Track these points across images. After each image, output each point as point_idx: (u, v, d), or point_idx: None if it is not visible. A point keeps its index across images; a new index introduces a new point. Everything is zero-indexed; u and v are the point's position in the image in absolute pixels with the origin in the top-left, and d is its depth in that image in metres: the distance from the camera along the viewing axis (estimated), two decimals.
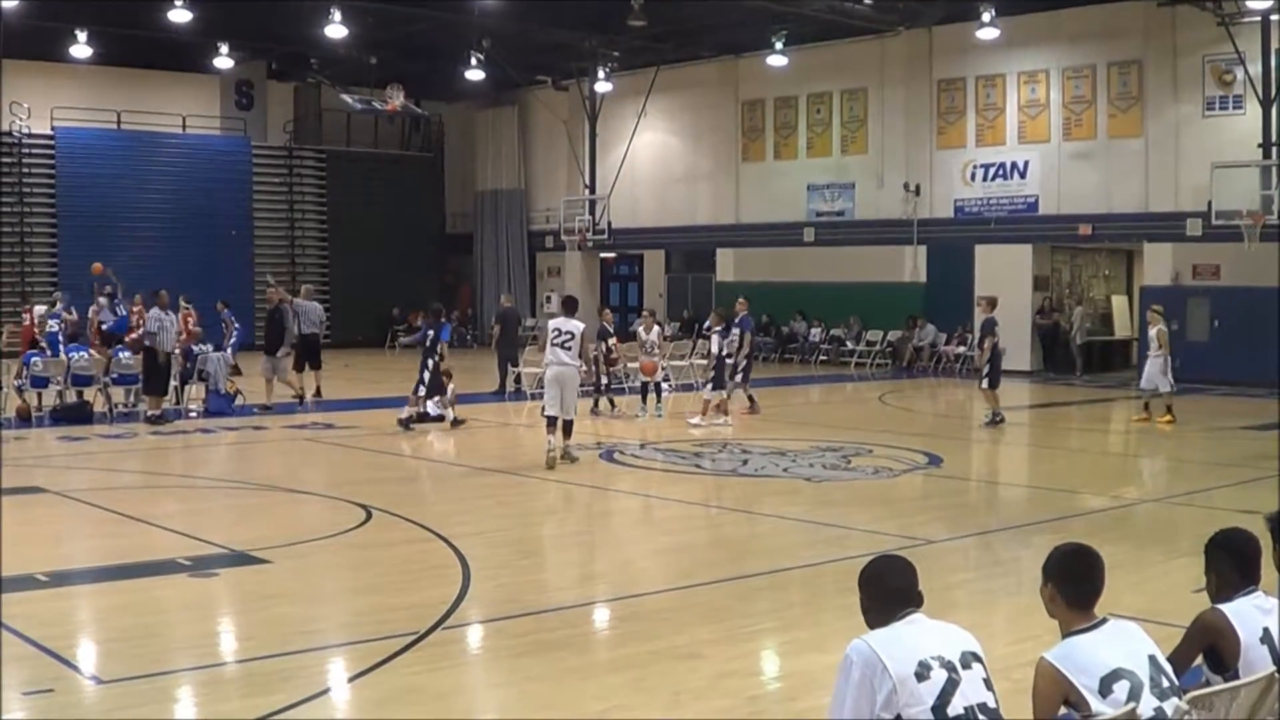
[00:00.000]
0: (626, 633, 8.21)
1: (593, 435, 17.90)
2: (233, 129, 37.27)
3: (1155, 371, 19.20)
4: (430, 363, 18.51)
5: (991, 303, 19.74)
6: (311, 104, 38.56)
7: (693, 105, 35.74)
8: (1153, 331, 19.65)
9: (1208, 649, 4.54)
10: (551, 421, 14.87)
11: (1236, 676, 4.39)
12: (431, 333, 18.78)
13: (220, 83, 36.73)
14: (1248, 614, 4.51)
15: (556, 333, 15.06)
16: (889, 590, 4.11)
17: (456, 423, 18.66)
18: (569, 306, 15.97)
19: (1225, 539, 4.78)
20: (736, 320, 20.08)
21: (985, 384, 19.12)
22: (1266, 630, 4.47)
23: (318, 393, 22.20)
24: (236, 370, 22.20)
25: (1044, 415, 20.40)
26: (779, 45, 30.96)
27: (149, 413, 18.77)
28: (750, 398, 20.42)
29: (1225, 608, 4.53)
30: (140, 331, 19.80)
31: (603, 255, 39.34)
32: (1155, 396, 19.33)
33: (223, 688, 6.91)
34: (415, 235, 39.26)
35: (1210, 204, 25.16)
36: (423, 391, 18.58)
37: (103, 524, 11.52)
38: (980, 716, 3.86)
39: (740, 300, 21.18)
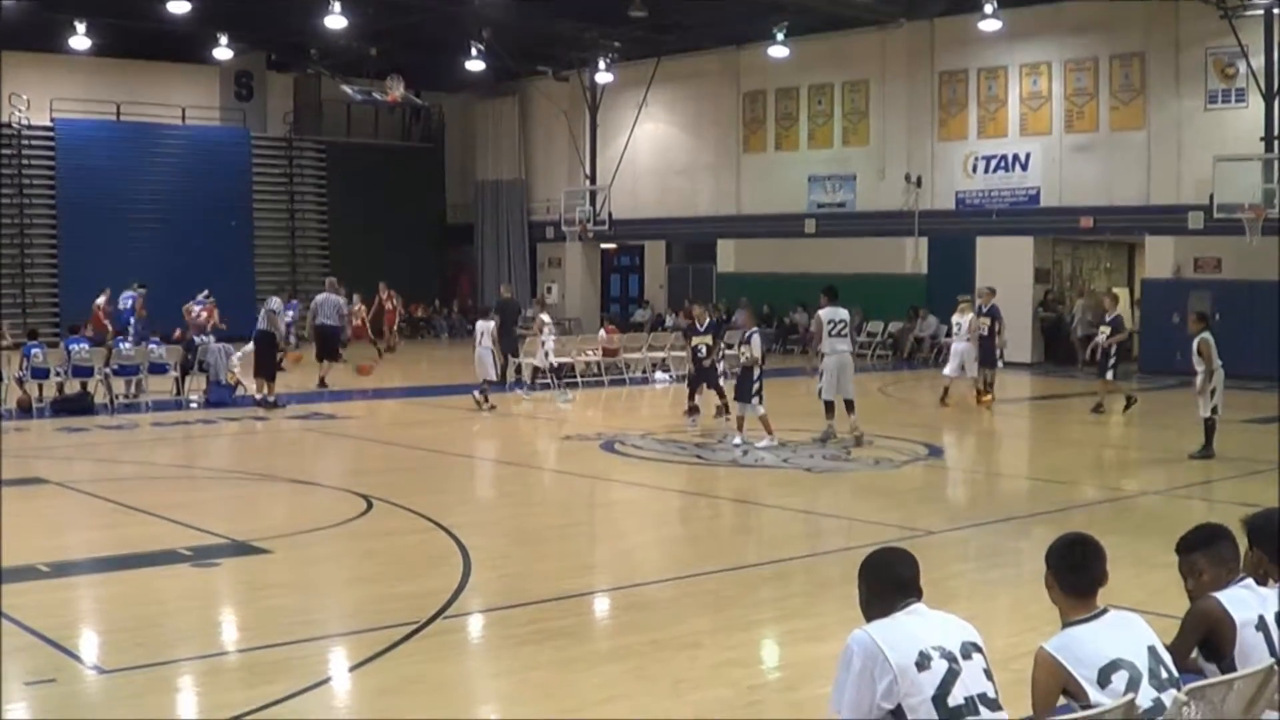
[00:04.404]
0: (627, 622, 8.22)
1: (591, 426, 17.90)
2: (232, 120, 37.19)
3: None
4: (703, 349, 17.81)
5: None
6: (311, 95, 38.48)
7: (694, 96, 35.67)
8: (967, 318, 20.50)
9: (1203, 638, 4.54)
10: (830, 406, 15.98)
11: (1233, 665, 4.39)
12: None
13: (220, 73, 36.63)
14: (1243, 600, 4.52)
15: (831, 323, 15.85)
16: (891, 580, 4.12)
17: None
18: (833, 295, 16.28)
19: (1192, 541, 4.76)
20: (986, 309, 20.52)
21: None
22: (1261, 618, 4.47)
23: (321, 383, 22.24)
24: None
25: (1045, 407, 20.44)
26: (780, 36, 30.86)
27: (256, 397, 19.54)
28: (989, 383, 20.74)
29: (1220, 595, 4.53)
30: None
31: (603, 246, 39.27)
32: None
33: (224, 677, 6.93)
34: (415, 226, 39.20)
35: (1212, 197, 25.08)
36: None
37: (104, 515, 11.53)
38: (980, 706, 3.86)
39: (987, 290, 21.57)
